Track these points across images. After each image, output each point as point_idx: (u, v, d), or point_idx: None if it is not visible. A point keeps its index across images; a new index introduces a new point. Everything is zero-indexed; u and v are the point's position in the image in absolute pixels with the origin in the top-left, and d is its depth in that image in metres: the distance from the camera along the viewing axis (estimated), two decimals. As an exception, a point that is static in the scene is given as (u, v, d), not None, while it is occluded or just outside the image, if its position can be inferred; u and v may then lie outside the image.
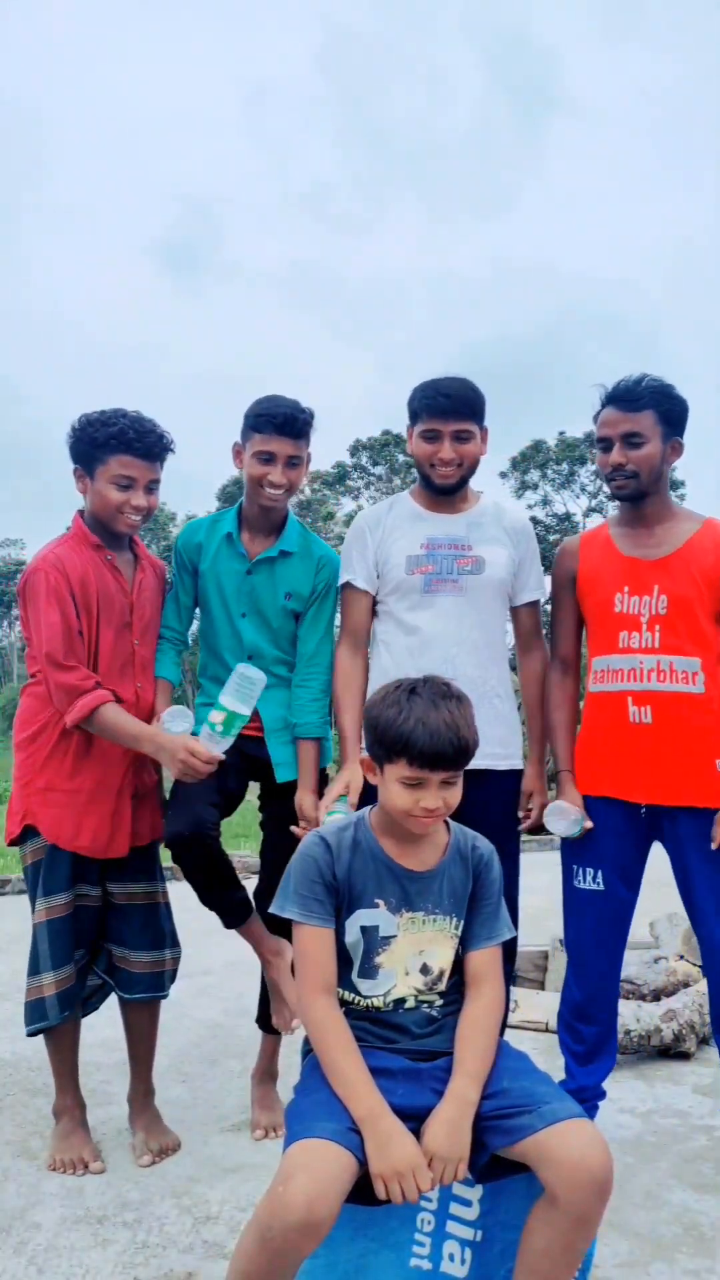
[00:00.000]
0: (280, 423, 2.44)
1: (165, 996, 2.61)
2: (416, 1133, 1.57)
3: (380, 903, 1.73)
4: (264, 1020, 2.71)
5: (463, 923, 1.78)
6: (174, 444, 2.46)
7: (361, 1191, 1.51)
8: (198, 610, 2.70)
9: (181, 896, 2.60)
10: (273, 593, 2.55)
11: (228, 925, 2.48)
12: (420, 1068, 1.69)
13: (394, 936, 1.73)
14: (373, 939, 1.73)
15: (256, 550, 2.56)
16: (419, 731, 1.62)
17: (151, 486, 2.43)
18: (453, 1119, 1.57)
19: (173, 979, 2.62)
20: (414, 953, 1.74)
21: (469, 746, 1.66)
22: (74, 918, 2.43)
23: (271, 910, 1.76)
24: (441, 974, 1.75)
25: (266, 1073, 2.75)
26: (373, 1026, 1.74)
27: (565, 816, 2.41)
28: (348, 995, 1.75)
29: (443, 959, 1.75)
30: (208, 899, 2.45)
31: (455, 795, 1.69)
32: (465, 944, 1.79)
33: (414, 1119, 1.60)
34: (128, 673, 2.46)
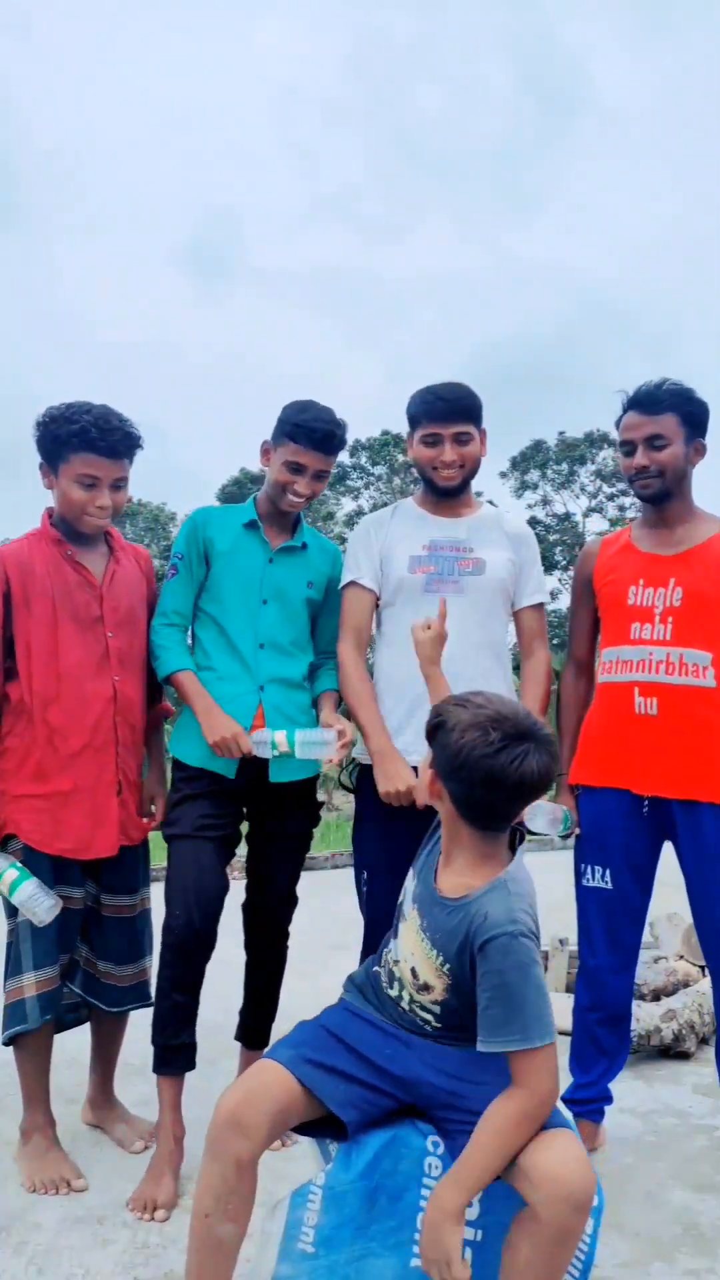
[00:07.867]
0: (319, 439, 2.43)
1: (150, 1003, 2.50)
2: (393, 1106, 1.67)
3: (412, 882, 1.78)
4: (243, 1034, 2.69)
5: (453, 972, 1.63)
6: (141, 439, 2.38)
7: (327, 1129, 1.66)
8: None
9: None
10: (296, 581, 2.55)
11: (169, 1070, 2.35)
12: (412, 1039, 1.70)
13: (404, 920, 1.76)
14: (403, 904, 1.78)
15: (276, 541, 2.55)
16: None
17: (118, 484, 2.35)
18: (433, 1225, 1.49)
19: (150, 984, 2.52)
20: (410, 951, 1.72)
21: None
22: (57, 917, 2.35)
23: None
24: (427, 988, 1.69)
25: None
26: (374, 997, 1.79)
27: (544, 815, 2.36)
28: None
29: (428, 977, 1.68)
30: (177, 1016, 2.32)
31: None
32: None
33: (392, 1088, 1.66)
34: (104, 668, 2.37)
